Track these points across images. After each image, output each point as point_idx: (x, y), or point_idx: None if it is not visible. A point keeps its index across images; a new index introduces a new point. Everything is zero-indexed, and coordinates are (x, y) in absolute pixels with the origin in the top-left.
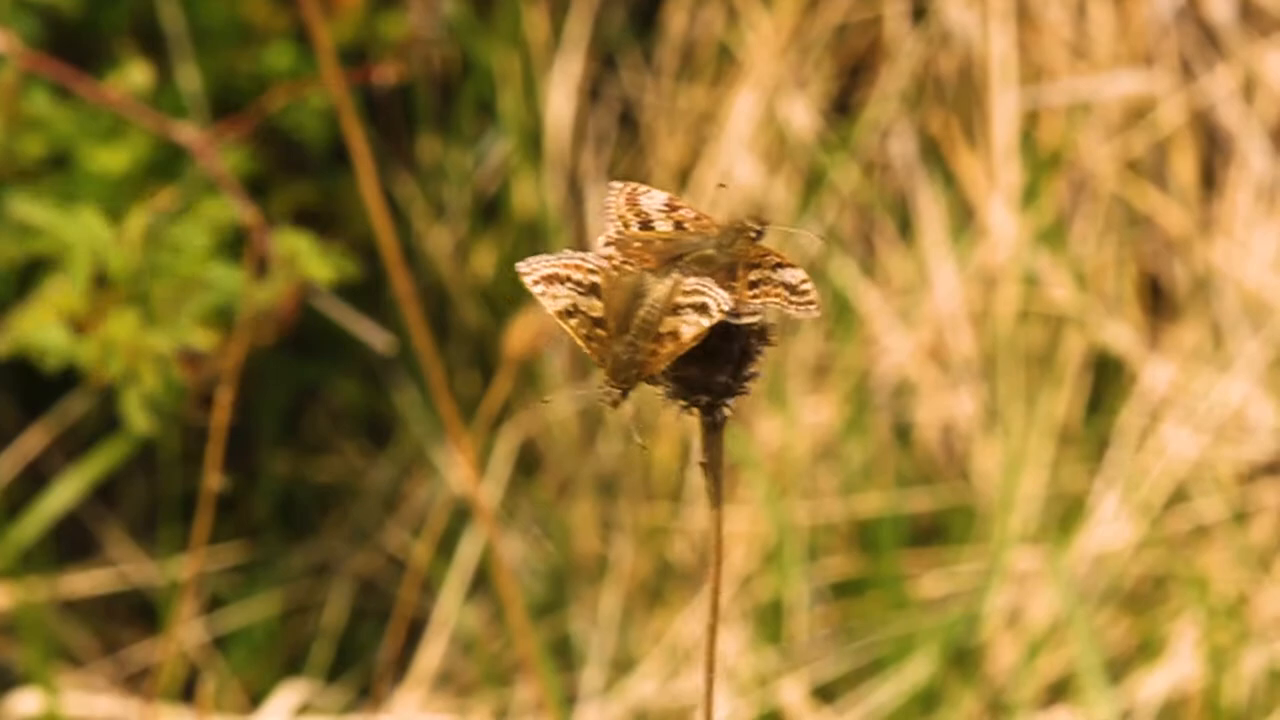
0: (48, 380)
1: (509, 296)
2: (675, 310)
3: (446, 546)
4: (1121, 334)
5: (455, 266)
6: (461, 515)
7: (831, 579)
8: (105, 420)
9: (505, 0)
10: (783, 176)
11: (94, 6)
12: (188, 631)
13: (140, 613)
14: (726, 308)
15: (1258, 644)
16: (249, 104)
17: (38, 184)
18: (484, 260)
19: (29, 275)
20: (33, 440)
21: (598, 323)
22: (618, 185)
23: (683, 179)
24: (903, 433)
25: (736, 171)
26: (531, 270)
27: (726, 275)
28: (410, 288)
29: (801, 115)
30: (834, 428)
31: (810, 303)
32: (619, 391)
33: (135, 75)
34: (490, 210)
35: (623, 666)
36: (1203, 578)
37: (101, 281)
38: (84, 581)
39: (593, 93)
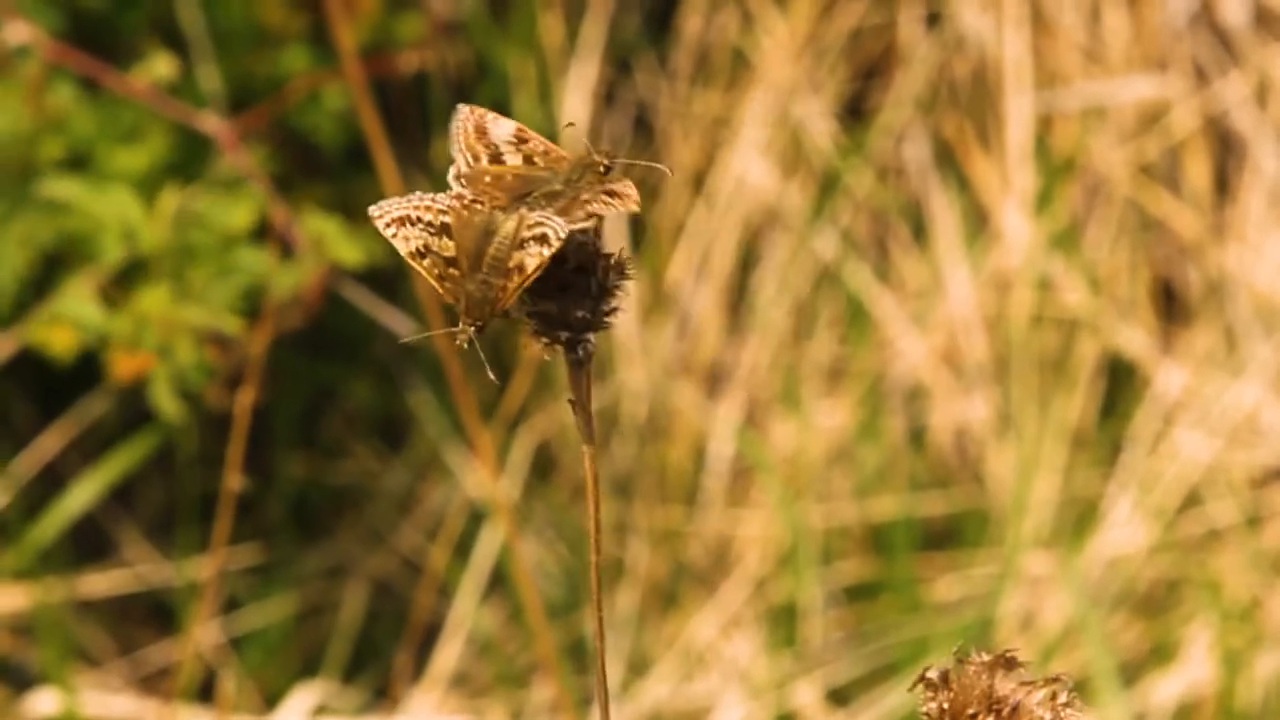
0: (65, 381)
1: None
2: (521, 245)
3: (461, 549)
4: (1134, 338)
5: None
6: (476, 518)
7: (845, 582)
8: (123, 422)
9: (520, 3)
10: (797, 180)
11: (114, 7)
12: (204, 632)
13: (157, 613)
14: (564, 235)
15: (1271, 648)
16: (265, 106)
17: (55, 183)
18: None
19: (47, 273)
20: (50, 441)
21: (450, 262)
22: (464, 110)
23: (697, 182)
24: (916, 436)
25: (750, 175)
26: (383, 213)
27: (573, 208)
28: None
29: (816, 119)
30: (848, 431)
31: (626, 198)
32: (473, 329)
33: (160, 67)
34: None
35: (638, 668)
36: (1216, 582)
37: (132, 264)
38: (101, 582)
39: (608, 96)
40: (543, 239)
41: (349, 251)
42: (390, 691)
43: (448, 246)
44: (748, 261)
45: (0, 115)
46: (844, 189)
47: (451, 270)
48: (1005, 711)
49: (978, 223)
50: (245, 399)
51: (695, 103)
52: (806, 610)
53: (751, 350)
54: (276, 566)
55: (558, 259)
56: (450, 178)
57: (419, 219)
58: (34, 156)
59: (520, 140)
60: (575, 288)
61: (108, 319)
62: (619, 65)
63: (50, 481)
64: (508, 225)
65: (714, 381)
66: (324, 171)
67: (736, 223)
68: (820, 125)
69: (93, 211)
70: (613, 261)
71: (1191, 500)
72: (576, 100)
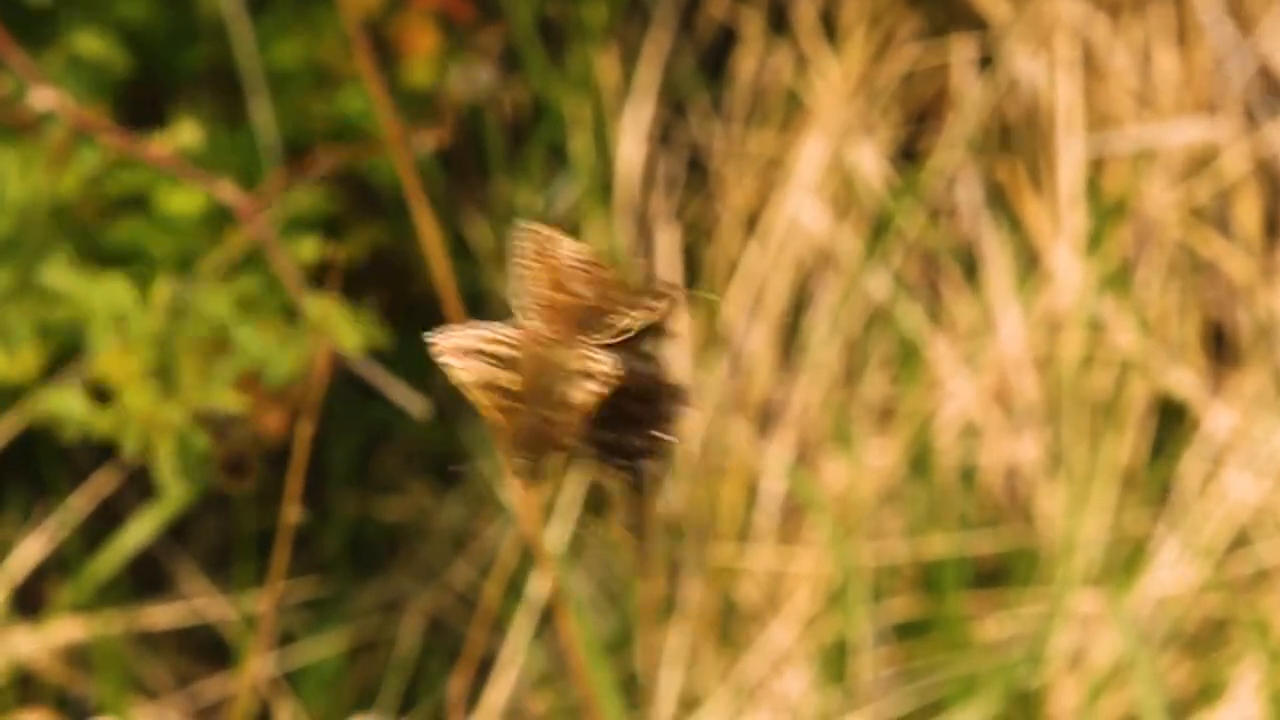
0: None
1: None
2: (574, 379)
3: (515, 584)
4: (1184, 380)
5: None
6: (529, 553)
7: (895, 620)
8: None
9: (577, 46)
10: (850, 222)
11: (171, 48)
12: (260, 666)
13: (213, 647)
14: (615, 373)
15: None
16: (322, 146)
17: (117, 223)
18: None
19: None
20: (108, 477)
21: (509, 394)
22: (524, 231)
23: (750, 223)
24: (966, 476)
25: (803, 216)
26: (441, 342)
27: (633, 339)
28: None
29: (869, 161)
30: (899, 470)
31: (670, 332)
32: (531, 463)
33: (184, 134)
34: None
35: (689, 705)
36: (1264, 622)
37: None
38: (158, 616)
39: (662, 138)
40: (593, 375)
41: (349, 336)
42: None
43: (506, 379)
44: (800, 302)
45: (19, 183)
46: (896, 230)
47: (509, 403)
48: None
49: (1029, 264)
50: (304, 434)
51: (749, 144)
52: (856, 647)
53: (803, 389)
54: (331, 601)
55: (617, 388)
56: (511, 303)
57: (478, 350)
58: (94, 205)
59: (581, 264)
60: (634, 417)
61: (92, 415)
62: (674, 107)
63: (108, 517)
64: (564, 358)
65: (766, 420)
66: (382, 211)
67: (789, 263)
68: (873, 167)
69: (84, 301)
70: (671, 389)
71: (1240, 540)
72: (631, 141)
